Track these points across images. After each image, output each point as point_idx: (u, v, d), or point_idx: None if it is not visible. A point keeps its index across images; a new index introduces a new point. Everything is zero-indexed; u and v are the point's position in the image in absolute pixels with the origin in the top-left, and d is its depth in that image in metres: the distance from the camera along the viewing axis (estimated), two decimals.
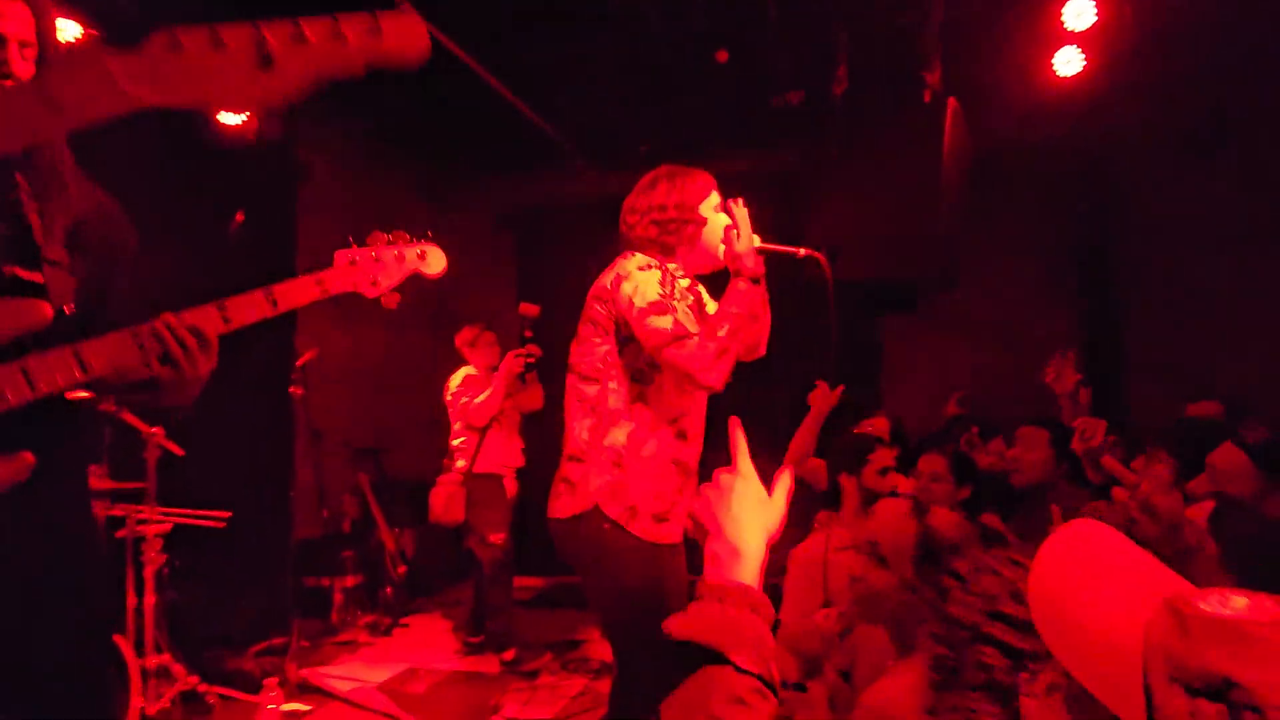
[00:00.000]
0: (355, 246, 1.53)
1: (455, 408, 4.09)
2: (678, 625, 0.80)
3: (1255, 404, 3.63)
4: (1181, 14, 3.75)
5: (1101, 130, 4.77)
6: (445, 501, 3.98)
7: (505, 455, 4.14)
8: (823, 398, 3.07)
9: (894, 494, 2.65)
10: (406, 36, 0.97)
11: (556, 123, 5.26)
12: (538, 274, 6.32)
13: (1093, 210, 5.20)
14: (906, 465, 2.94)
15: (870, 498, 2.66)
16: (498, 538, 3.96)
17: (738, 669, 0.75)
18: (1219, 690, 0.57)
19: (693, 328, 1.87)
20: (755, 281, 1.95)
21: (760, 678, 0.76)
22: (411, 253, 1.57)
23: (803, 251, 2.04)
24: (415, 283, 1.62)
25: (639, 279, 1.93)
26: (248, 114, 4.16)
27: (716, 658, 0.76)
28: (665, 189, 2.08)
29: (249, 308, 1.39)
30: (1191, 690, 0.58)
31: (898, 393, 5.52)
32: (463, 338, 4.25)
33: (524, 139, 5.35)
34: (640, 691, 2.03)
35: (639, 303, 1.90)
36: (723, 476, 0.94)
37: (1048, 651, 0.84)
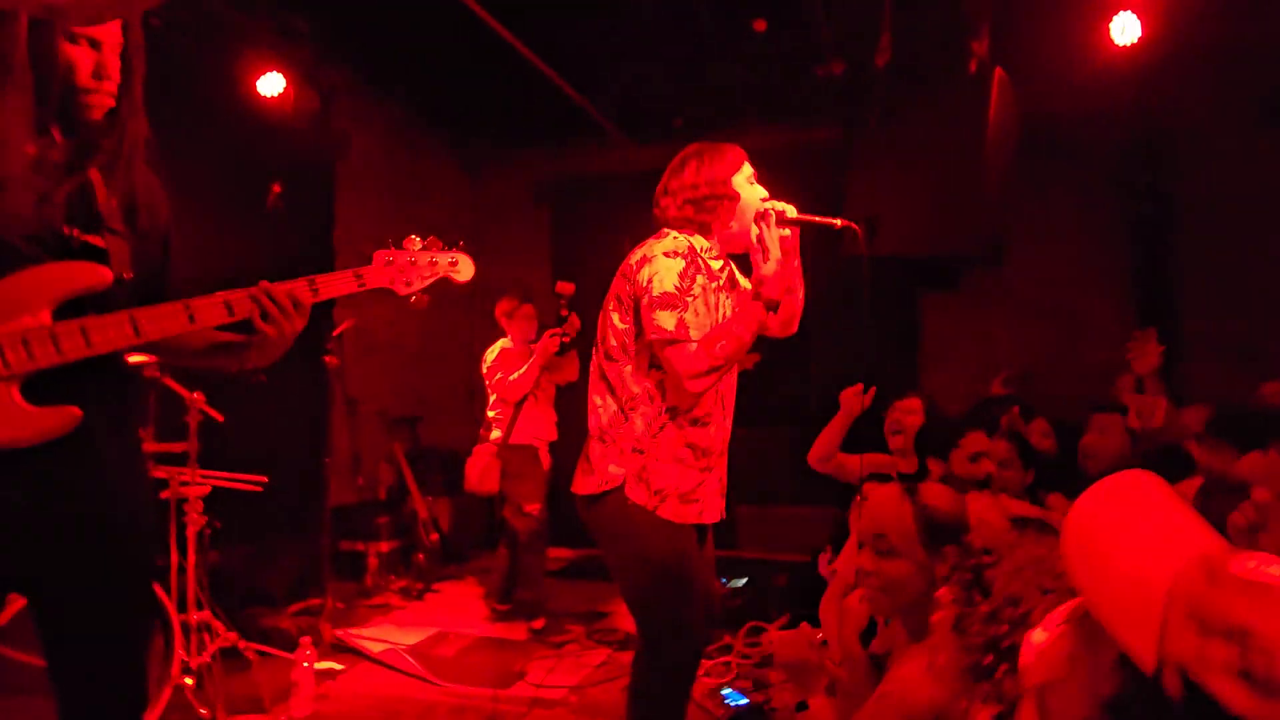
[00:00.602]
0: (393, 248, 1.64)
1: (491, 381, 4.14)
2: None
3: None
4: None
5: (1160, 101, 4.55)
6: (481, 472, 4.03)
7: (540, 427, 4.17)
8: (853, 399, 2.98)
9: (987, 482, 2.53)
10: None
11: (592, 96, 5.22)
12: (572, 247, 6.33)
13: (1150, 186, 4.97)
14: (942, 446, 2.86)
15: (957, 483, 2.54)
16: (533, 508, 4.00)
17: None
18: (1235, 636, 0.57)
19: (695, 332, 1.86)
20: (771, 308, 1.92)
21: None
22: (444, 259, 1.66)
23: (840, 223, 1.99)
24: (451, 282, 1.68)
25: (660, 266, 1.91)
26: (284, 85, 4.20)
27: None
28: (695, 167, 2.05)
29: (296, 293, 1.49)
30: (1206, 630, 0.59)
31: (936, 372, 5.41)
32: (501, 308, 4.26)
33: (560, 112, 5.32)
34: (662, 664, 2.04)
35: (654, 291, 1.89)
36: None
37: None
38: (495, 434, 4.10)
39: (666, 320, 1.86)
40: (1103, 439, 2.81)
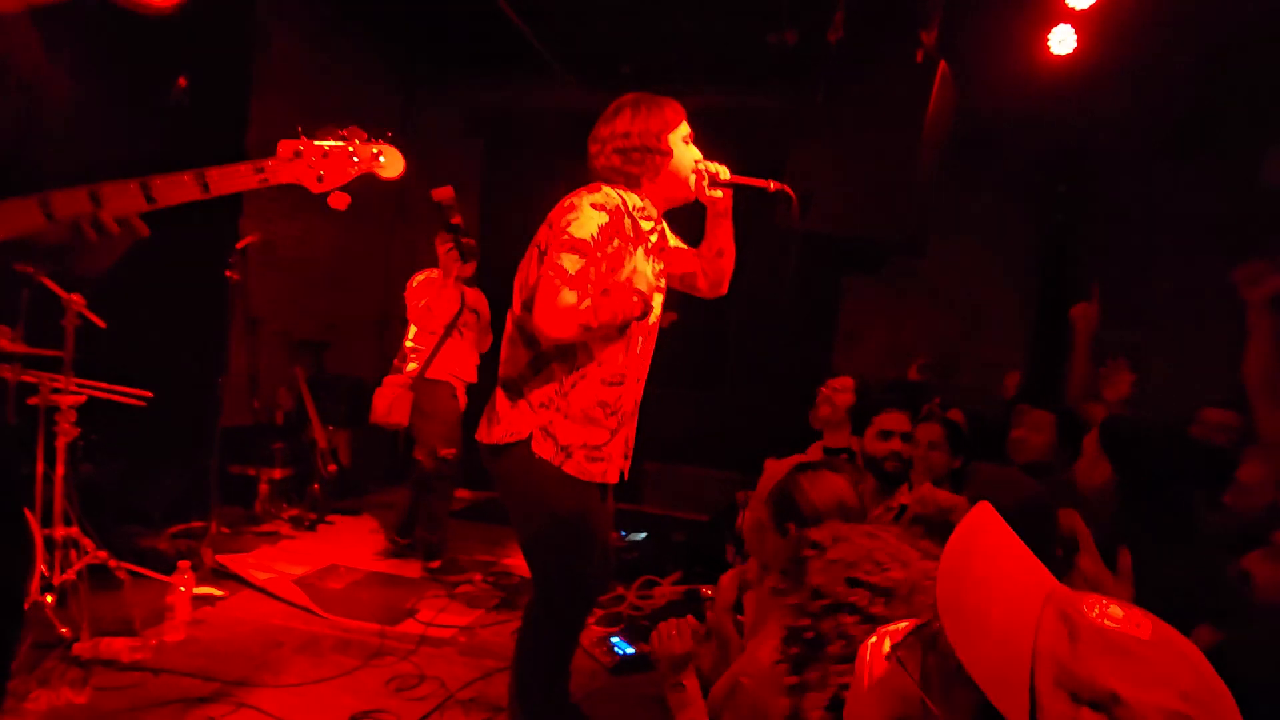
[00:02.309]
0: (304, 138, 1.43)
1: (414, 307, 3.96)
2: None
3: (1186, 403, 3.76)
4: (1180, 8, 3.71)
5: (1085, 114, 4.77)
6: (390, 403, 3.87)
7: (459, 366, 4.03)
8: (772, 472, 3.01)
9: (895, 456, 2.53)
10: None
11: (541, 28, 5.00)
12: (505, 182, 6.13)
13: (1065, 193, 5.24)
14: (864, 425, 2.93)
15: (869, 461, 2.55)
16: (449, 452, 3.90)
17: None
18: (1104, 704, 0.58)
19: (589, 288, 1.82)
20: (643, 314, 1.91)
21: None
22: (366, 151, 1.47)
23: (774, 185, 1.99)
24: (374, 177, 1.53)
25: (583, 215, 1.87)
26: None
27: None
28: (628, 117, 1.99)
29: (177, 189, 1.30)
30: (1076, 698, 0.59)
31: (850, 352, 5.60)
32: (441, 239, 4.03)
33: (503, 41, 5.08)
34: (554, 614, 2.07)
35: (566, 234, 1.85)
36: None
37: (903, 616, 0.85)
38: (411, 366, 3.96)
39: (570, 263, 1.82)
40: (1032, 435, 2.84)
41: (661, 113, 2.00)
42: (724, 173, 2.01)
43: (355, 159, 1.46)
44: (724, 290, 2.20)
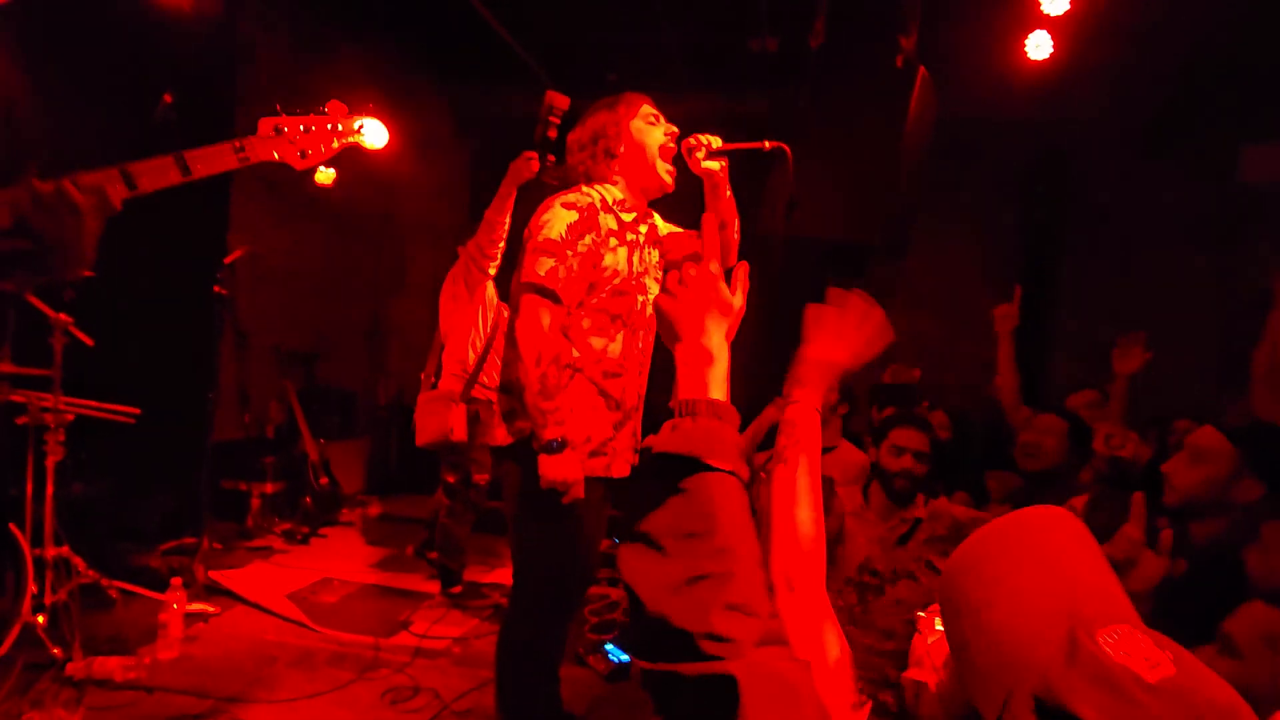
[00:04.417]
0: (283, 114, 1.41)
1: (446, 320, 3.61)
2: (657, 441, 0.79)
3: (1166, 399, 3.81)
4: (1152, 11, 3.79)
5: (1063, 117, 4.85)
6: (445, 421, 3.42)
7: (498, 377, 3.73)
8: (779, 410, 2.99)
9: (908, 474, 2.44)
10: None
11: (527, 38, 5.03)
12: (491, 186, 6.13)
13: (1046, 194, 5.31)
14: (869, 433, 2.91)
15: (880, 474, 2.53)
16: (482, 478, 3.68)
17: (718, 470, 0.76)
18: None
19: (563, 290, 1.90)
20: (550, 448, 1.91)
21: (735, 475, 0.77)
22: (348, 124, 1.46)
23: (769, 144, 1.98)
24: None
25: (555, 214, 1.94)
26: None
27: (695, 466, 0.75)
28: (580, 127, 2.11)
29: (157, 173, 1.26)
30: (1041, 711, 0.57)
31: None
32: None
33: (490, 50, 5.11)
34: (530, 612, 2.08)
35: (539, 235, 1.92)
36: (702, 272, 0.90)
37: None
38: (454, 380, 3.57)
39: (542, 265, 1.89)
40: (1044, 439, 2.76)
41: (612, 108, 2.07)
42: (716, 142, 2.01)
43: (336, 132, 1.43)
44: (732, 260, 2.17)
